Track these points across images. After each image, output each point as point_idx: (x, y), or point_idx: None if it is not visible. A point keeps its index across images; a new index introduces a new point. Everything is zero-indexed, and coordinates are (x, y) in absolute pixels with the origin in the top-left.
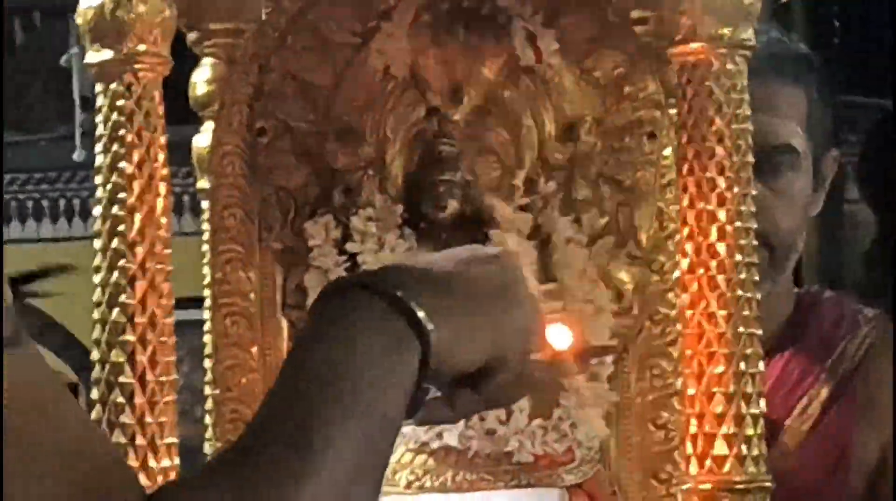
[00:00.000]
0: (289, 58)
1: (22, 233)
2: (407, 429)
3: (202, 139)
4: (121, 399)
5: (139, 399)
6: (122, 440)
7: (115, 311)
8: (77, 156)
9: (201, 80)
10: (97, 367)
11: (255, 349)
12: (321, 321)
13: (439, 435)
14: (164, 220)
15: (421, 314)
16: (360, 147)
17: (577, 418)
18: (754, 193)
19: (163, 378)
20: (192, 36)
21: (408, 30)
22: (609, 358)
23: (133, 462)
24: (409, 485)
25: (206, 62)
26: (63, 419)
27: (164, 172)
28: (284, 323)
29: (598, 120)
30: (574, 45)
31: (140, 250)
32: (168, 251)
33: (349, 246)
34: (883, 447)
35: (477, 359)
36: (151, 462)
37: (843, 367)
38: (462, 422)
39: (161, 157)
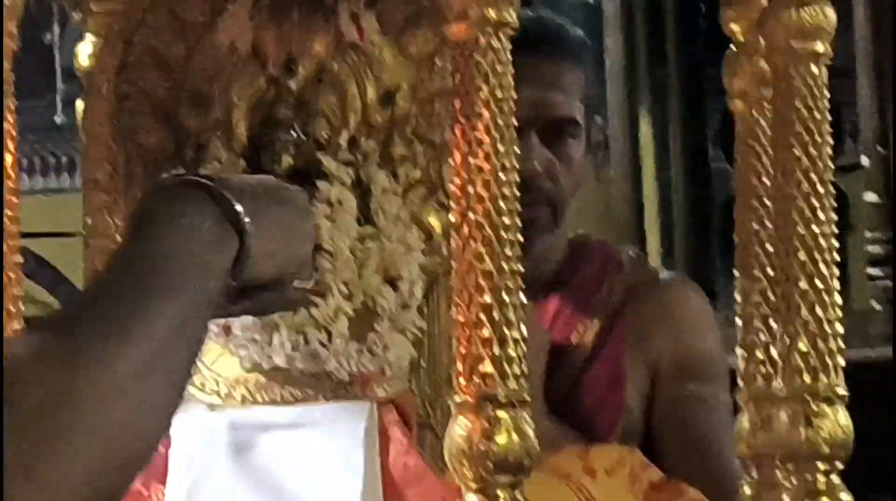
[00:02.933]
0: (148, 34)
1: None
2: (242, 352)
3: (80, 104)
4: None
5: None
6: None
7: None
8: (59, 120)
9: (84, 53)
10: None
11: None
12: (151, 210)
13: (269, 357)
14: (11, 174)
15: (246, 219)
16: (209, 111)
17: (389, 341)
18: (538, 166)
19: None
20: (76, 15)
21: (249, 10)
22: (419, 289)
23: None
24: (243, 400)
25: (88, 38)
26: None
27: (13, 133)
28: None
29: (413, 88)
30: (392, 25)
31: None
32: (15, 200)
33: None
34: (652, 370)
35: (277, 268)
36: None
37: (611, 301)
38: (288, 345)
39: (10, 119)
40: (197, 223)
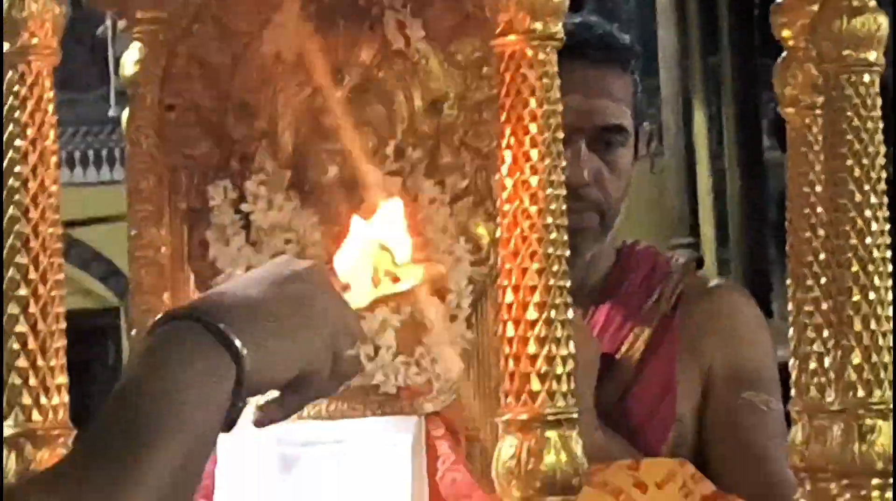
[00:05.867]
0: (194, 44)
1: (71, 178)
2: None
3: (125, 114)
4: (16, 346)
5: (32, 345)
6: (18, 381)
7: (11, 270)
8: (112, 113)
9: (129, 62)
10: None
11: (165, 296)
12: (149, 348)
13: None
14: (54, 188)
15: (237, 341)
16: (255, 121)
17: (437, 354)
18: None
19: (53, 327)
20: (121, 24)
21: (296, 20)
22: (466, 301)
23: (27, 400)
24: None
25: (134, 46)
26: None
27: (55, 147)
28: (190, 273)
29: (460, 96)
30: (439, 32)
31: (33, 215)
32: (58, 216)
33: (244, 206)
34: (704, 378)
35: (288, 374)
36: (43, 400)
37: (660, 309)
38: None
39: (51, 134)
40: (187, 359)
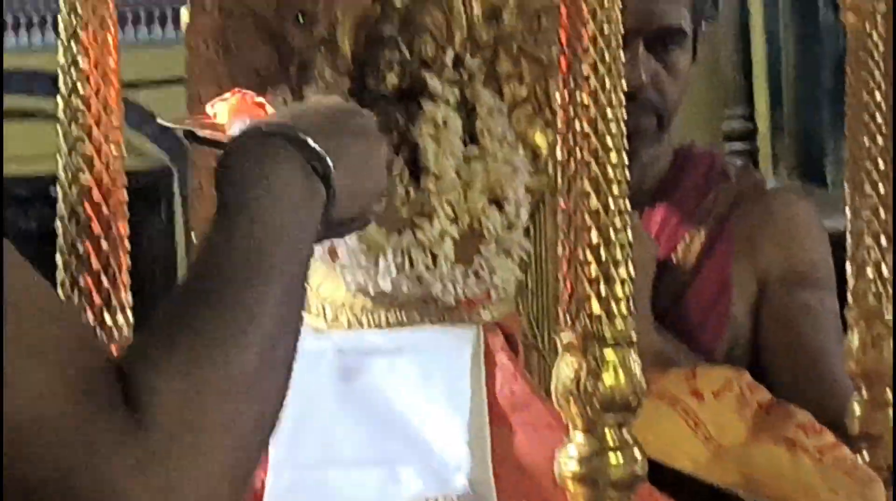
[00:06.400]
0: None
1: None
2: (348, 275)
3: (184, 15)
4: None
5: (95, 264)
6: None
7: (74, 188)
8: None
9: None
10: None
11: None
12: (241, 171)
13: (375, 282)
14: (113, 144)
15: (326, 158)
16: (314, 28)
17: (495, 264)
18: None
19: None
20: None
21: None
22: (525, 210)
23: (91, 318)
24: (349, 324)
25: None
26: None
27: (116, 95)
28: None
29: (519, 4)
30: None
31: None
32: (120, 142)
33: None
34: (759, 279)
35: (361, 208)
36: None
37: (717, 210)
38: (394, 269)
39: (114, 90)
40: (287, 180)
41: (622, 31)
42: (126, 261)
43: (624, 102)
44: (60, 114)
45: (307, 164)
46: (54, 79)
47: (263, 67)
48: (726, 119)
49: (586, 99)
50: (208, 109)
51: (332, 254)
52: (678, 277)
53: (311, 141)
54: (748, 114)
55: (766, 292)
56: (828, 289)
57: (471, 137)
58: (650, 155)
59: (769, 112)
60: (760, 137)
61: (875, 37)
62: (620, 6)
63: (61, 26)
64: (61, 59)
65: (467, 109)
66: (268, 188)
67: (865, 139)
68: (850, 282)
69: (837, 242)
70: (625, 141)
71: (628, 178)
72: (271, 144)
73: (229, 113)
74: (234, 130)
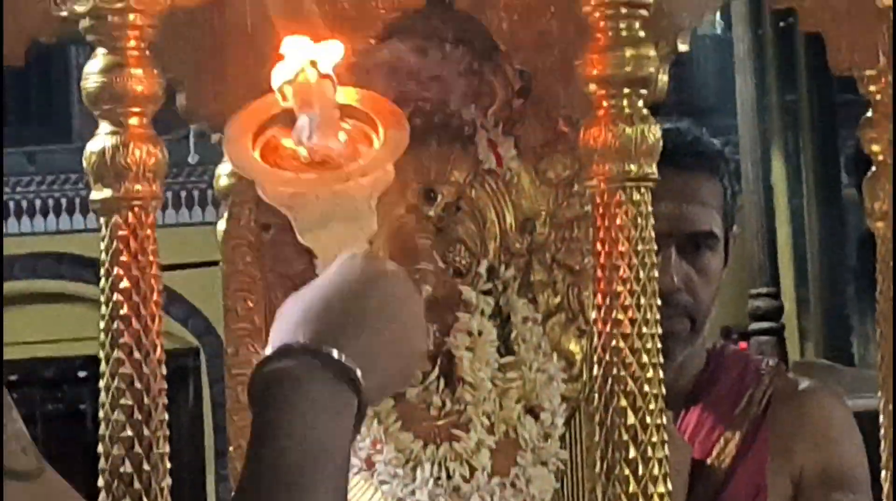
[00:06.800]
0: None
1: None
2: (385, 487)
3: (221, 225)
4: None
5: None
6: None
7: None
8: (191, 159)
9: (223, 173)
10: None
11: None
12: (278, 396)
13: (412, 493)
14: (155, 327)
15: (357, 373)
16: None
17: (532, 474)
18: (676, 280)
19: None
20: (216, 136)
21: None
22: (560, 419)
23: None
24: None
25: (227, 160)
26: None
27: (158, 288)
28: None
29: (552, 214)
30: (530, 151)
31: (137, 356)
32: (161, 355)
33: None
34: (794, 481)
35: (396, 389)
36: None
37: (751, 412)
38: (431, 481)
39: (154, 273)
40: (318, 399)
41: (654, 238)
42: (166, 446)
43: (658, 318)
44: (103, 308)
45: (337, 379)
46: (81, 261)
47: (300, 278)
48: (752, 298)
49: (621, 315)
50: (274, 82)
51: (370, 464)
52: (713, 479)
53: (336, 354)
54: (774, 292)
55: (801, 495)
56: (863, 493)
57: (505, 346)
58: (684, 357)
59: (795, 290)
60: (787, 316)
61: None
62: (652, 214)
63: (102, 219)
64: (102, 251)
65: (502, 319)
66: (302, 412)
67: None
68: (885, 487)
69: (867, 419)
70: (660, 356)
71: (664, 392)
72: (301, 363)
73: (296, 98)
74: (302, 123)
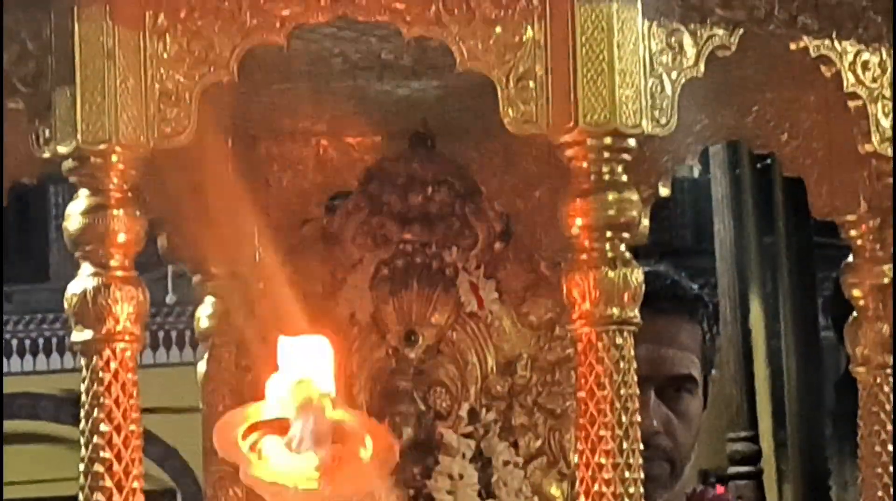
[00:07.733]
0: (266, 309)
1: None
2: None
3: (201, 366)
4: None
5: None
6: None
7: None
8: (169, 299)
9: (203, 315)
10: None
11: None
12: None
13: None
14: (135, 471)
15: None
16: None
17: None
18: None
19: None
20: (196, 278)
21: (369, 281)
22: None
23: None
24: None
25: (208, 301)
26: None
27: (138, 431)
28: None
29: (533, 357)
30: (511, 294)
31: (117, 500)
32: (141, 498)
33: None
34: None
35: None
36: None
37: None
38: None
39: (135, 415)
40: None
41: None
42: None
43: (641, 463)
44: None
45: None
46: (58, 401)
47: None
48: (731, 441)
49: (603, 459)
50: (268, 391)
51: None
52: None
53: None
54: (753, 436)
55: None
56: None
57: (486, 490)
58: (663, 500)
59: (773, 433)
60: (765, 459)
61: (886, 389)
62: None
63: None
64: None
65: (483, 462)
66: None
67: (880, 492)
68: None
69: None
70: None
71: None
72: None
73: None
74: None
